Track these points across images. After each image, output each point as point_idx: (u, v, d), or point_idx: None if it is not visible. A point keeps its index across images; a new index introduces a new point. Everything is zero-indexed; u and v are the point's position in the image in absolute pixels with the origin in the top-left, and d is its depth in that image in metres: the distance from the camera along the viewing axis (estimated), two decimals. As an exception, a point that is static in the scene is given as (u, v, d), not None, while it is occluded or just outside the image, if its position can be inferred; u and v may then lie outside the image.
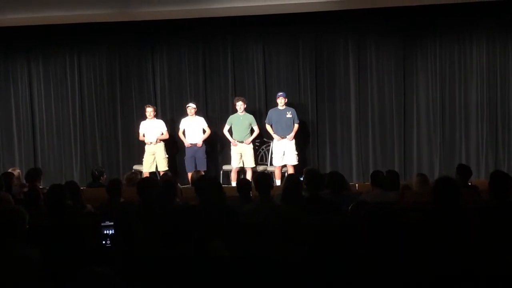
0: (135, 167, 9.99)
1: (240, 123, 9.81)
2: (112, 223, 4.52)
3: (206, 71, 10.59)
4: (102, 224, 4.51)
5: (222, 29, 10.33)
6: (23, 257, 3.50)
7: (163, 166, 9.79)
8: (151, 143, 9.83)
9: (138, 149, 10.11)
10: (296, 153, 9.69)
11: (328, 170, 9.55)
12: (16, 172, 7.99)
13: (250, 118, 9.85)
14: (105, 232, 4.50)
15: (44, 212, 5.08)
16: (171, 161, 10.25)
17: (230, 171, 9.92)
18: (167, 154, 9.96)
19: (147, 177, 8.00)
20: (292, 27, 10.21)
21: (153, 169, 9.82)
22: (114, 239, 4.48)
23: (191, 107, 9.88)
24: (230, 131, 9.90)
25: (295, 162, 9.62)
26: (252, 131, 9.86)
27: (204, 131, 9.96)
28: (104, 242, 4.48)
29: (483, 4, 9.14)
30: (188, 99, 10.35)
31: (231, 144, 9.81)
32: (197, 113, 9.97)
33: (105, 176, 8.42)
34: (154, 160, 9.85)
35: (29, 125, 10.93)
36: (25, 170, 8.67)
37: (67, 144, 10.89)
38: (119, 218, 4.67)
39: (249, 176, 9.40)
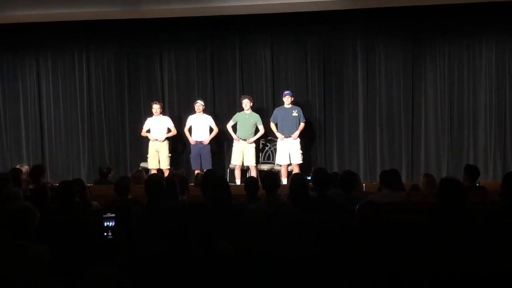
0: (142, 164, 10.01)
1: (245, 122, 9.79)
2: (113, 215, 4.50)
3: (214, 69, 10.59)
4: (104, 216, 4.51)
5: (230, 27, 10.33)
6: (33, 254, 3.51)
7: (165, 165, 9.77)
8: (156, 140, 9.84)
9: (145, 146, 10.10)
10: (301, 152, 9.67)
11: (335, 169, 9.55)
12: (24, 168, 8.01)
13: (256, 117, 9.83)
14: (106, 224, 4.49)
15: (53, 208, 5.10)
16: (177, 158, 10.26)
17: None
18: (170, 153, 9.95)
19: (154, 174, 8.00)
20: (300, 26, 10.19)
21: (158, 166, 9.79)
22: (115, 231, 4.47)
23: (199, 104, 9.88)
24: (234, 127, 9.89)
25: (300, 161, 9.60)
26: (257, 130, 9.86)
27: (211, 130, 9.96)
28: (105, 234, 4.48)
29: (493, 5, 9.09)
30: (195, 97, 10.35)
31: (234, 140, 9.80)
32: (204, 111, 9.97)
33: (112, 173, 8.45)
34: (158, 157, 9.86)
35: (37, 122, 10.97)
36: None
37: (75, 141, 10.93)
38: (125, 215, 4.69)
39: (253, 174, 9.40)
